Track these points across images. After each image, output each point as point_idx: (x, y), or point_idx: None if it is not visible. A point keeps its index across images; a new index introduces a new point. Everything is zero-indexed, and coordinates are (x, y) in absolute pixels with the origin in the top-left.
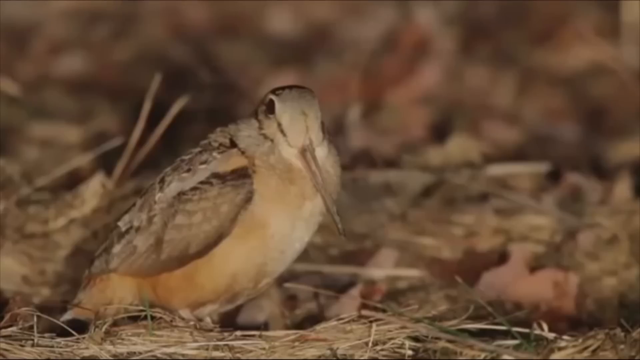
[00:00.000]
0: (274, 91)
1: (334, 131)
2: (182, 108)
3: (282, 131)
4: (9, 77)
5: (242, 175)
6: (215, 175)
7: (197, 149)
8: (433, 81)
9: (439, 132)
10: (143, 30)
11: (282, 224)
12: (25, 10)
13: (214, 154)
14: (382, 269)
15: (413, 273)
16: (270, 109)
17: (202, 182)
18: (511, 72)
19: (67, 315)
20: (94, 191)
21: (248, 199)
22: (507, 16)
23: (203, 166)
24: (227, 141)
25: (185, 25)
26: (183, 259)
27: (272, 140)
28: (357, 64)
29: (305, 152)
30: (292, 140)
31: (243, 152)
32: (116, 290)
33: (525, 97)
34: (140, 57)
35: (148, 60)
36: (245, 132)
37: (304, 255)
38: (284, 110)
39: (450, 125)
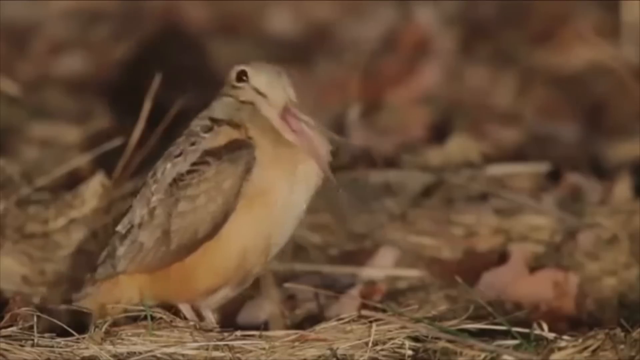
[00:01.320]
0: (236, 67)
1: (333, 131)
2: (182, 108)
3: (260, 94)
4: (9, 77)
5: (237, 147)
6: (209, 153)
7: (182, 138)
8: (433, 81)
9: (439, 132)
10: (143, 30)
11: (283, 188)
12: (25, 10)
13: (201, 134)
14: (382, 269)
15: (413, 273)
16: (240, 78)
17: (197, 164)
18: (511, 72)
19: (69, 307)
20: (94, 191)
21: (248, 170)
22: (507, 16)
23: (193, 147)
24: (207, 122)
25: (185, 25)
26: (194, 245)
27: (252, 104)
28: (357, 64)
29: (288, 110)
30: (273, 98)
31: (234, 125)
32: (124, 290)
33: (525, 97)
34: (140, 57)
35: (148, 60)
36: (223, 108)
37: (304, 255)
38: (259, 74)
39: (450, 125)
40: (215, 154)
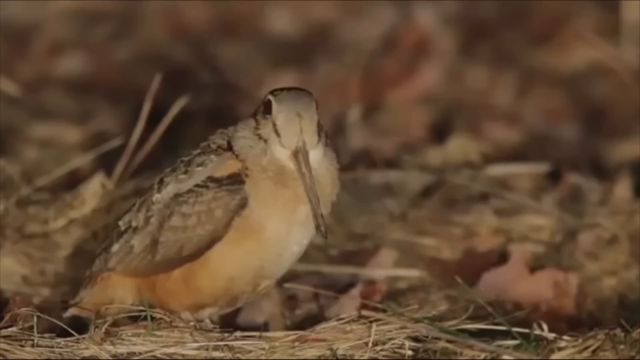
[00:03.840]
0: (272, 92)
1: (334, 131)
2: (182, 108)
3: (276, 131)
4: (9, 77)
5: (238, 180)
6: (212, 179)
7: (197, 151)
8: (433, 81)
9: (439, 132)
10: (143, 30)
11: (277, 227)
12: (25, 10)
13: (211, 156)
14: (382, 269)
15: (413, 273)
16: (267, 109)
17: (198, 185)
18: (511, 72)
19: (68, 313)
20: (94, 191)
21: (243, 205)
22: (507, 16)
23: (199, 168)
24: (225, 143)
25: (185, 25)
26: (177, 261)
27: (265, 141)
28: (357, 64)
29: (298, 153)
30: (285, 141)
31: (237, 155)
32: (117, 290)
33: (525, 97)
34: (140, 57)
35: (148, 60)
36: (241, 133)
37: (304, 256)
38: (280, 111)
39: (450, 125)
40: (217, 181)
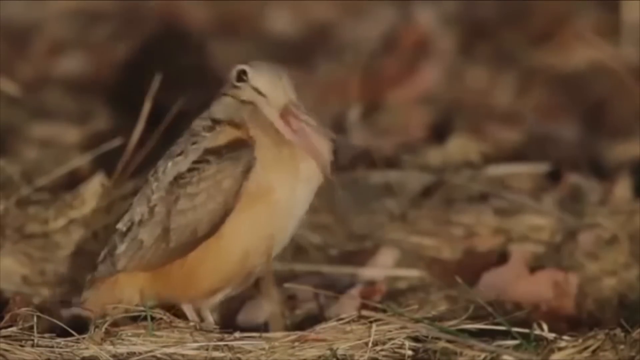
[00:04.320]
0: (237, 66)
1: (334, 131)
2: (182, 108)
3: (260, 94)
4: (9, 77)
5: (237, 146)
6: (210, 152)
7: (183, 137)
8: (433, 81)
9: (439, 132)
10: (143, 30)
11: (284, 187)
12: (25, 10)
13: (202, 133)
14: (382, 269)
15: (413, 273)
16: (239, 78)
17: (198, 162)
18: (511, 72)
19: (71, 312)
20: (93, 191)
21: (248, 170)
22: (507, 16)
23: (195, 146)
24: (209, 122)
25: (185, 25)
26: (193, 243)
27: (252, 104)
28: (357, 64)
29: (287, 111)
30: (273, 99)
31: (235, 125)
32: (124, 291)
33: (525, 97)
34: (140, 57)
35: (148, 60)
36: (223, 106)
37: (304, 256)
38: (260, 74)
39: (450, 125)
40: (216, 152)
